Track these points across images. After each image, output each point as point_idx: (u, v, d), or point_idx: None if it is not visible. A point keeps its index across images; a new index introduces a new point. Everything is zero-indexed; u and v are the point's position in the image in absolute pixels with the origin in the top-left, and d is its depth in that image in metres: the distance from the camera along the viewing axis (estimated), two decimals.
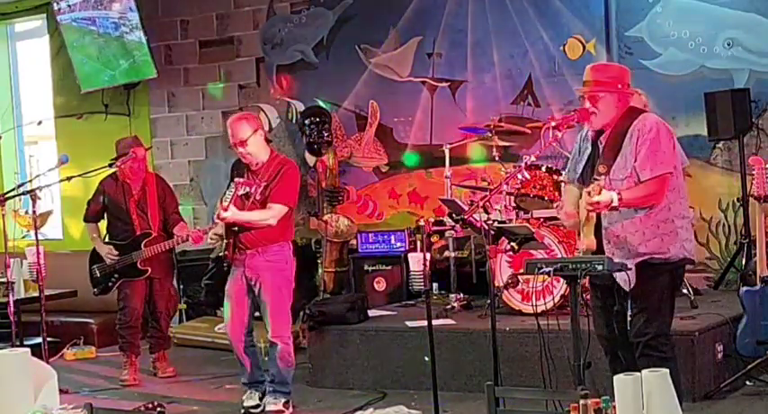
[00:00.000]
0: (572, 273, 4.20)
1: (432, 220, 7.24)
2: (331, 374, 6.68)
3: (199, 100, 9.81)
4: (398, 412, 5.59)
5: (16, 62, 11.08)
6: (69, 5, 9.74)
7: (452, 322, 6.61)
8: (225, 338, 6.33)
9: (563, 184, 6.45)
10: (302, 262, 6.65)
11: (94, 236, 7.35)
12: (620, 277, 4.47)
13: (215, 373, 7.28)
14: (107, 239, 7.29)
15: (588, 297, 4.88)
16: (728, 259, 7.31)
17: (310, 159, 8.30)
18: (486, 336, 5.25)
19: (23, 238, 9.19)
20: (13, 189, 7.05)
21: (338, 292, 8.02)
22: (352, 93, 8.98)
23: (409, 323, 6.60)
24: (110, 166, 7.07)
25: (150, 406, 5.97)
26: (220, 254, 6.19)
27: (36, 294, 6.87)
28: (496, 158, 7.26)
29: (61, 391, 3.92)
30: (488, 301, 5.66)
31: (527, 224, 5.93)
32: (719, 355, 5.88)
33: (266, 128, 8.10)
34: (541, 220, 6.66)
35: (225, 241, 5.94)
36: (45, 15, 10.39)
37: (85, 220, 7.45)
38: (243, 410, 6.06)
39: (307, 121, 8.44)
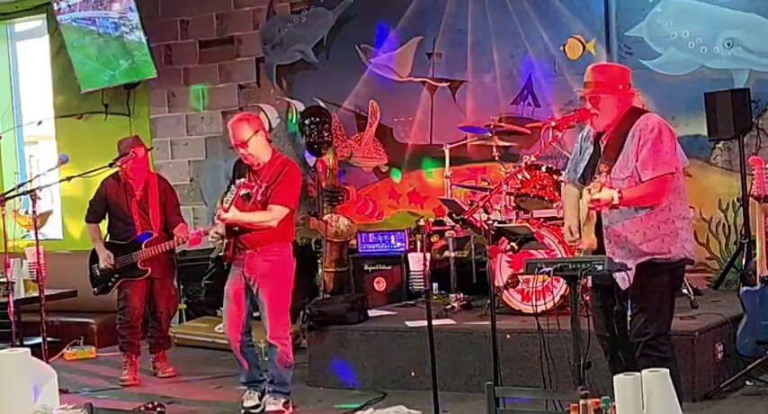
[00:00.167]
0: (572, 273, 4.20)
1: (432, 220, 7.23)
2: (331, 374, 6.68)
3: (199, 100, 9.80)
4: (398, 412, 5.59)
5: (16, 62, 11.08)
6: (69, 5, 9.74)
7: (452, 322, 6.61)
8: (225, 338, 6.33)
9: (563, 185, 6.45)
10: (302, 262, 6.64)
11: (95, 238, 7.34)
12: (618, 275, 4.47)
13: (215, 373, 7.28)
14: (108, 239, 7.29)
15: (588, 297, 4.88)
16: (728, 259, 7.32)
17: (310, 159, 8.30)
18: (486, 336, 5.25)
19: (23, 238, 9.20)
20: (13, 189, 7.05)
21: (338, 292, 8.01)
22: (352, 93, 8.98)
23: (409, 323, 6.60)
24: (110, 165, 7.07)
25: (150, 406, 5.97)
26: (220, 254, 6.19)
27: (36, 294, 6.87)
28: (496, 158, 7.26)
29: (61, 391, 3.92)
30: (488, 301, 5.66)
31: (527, 224, 5.93)
32: (719, 355, 5.88)
33: (266, 127, 8.09)
34: (541, 220, 6.66)
35: (225, 241, 5.94)
36: (45, 15, 10.39)
37: (87, 221, 7.44)
38: (243, 411, 6.06)
39: (307, 121, 8.44)
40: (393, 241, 8.10)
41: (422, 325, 5.90)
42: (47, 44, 10.49)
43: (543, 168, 6.74)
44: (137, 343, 7.27)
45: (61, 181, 7.20)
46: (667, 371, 3.13)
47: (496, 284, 6.25)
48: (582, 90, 4.71)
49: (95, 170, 6.97)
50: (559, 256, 6.10)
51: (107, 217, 7.34)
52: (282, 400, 5.97)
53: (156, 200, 7.23)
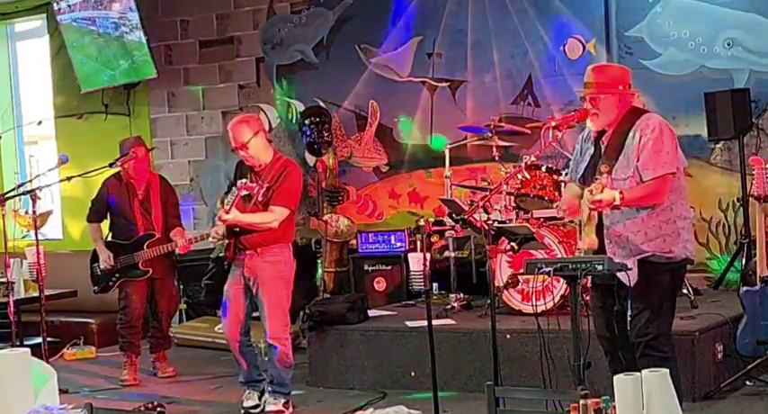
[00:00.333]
0: (572, 273, 4.20)
1: (432, 220, 7.23)
2: (331, 374, 6.68)
3: (199, 100, 9.81)
4: (398, 412, 5.58)
5: (16, 62, 11.08)
6: (69, 5, 9.74)
7: (452, 322, 6.61)
8: (225, 338, 6.33)
9: (563, 184, 6.46)
10: (302, 262, 6.64)
11: (96, 237, 7.34)
12: (623, 274, 4.47)
13: (215, 373, 7.28)
14: (110, 239, 7.29)
15: (588, 297, 4.88)
16: (728, 259, 7.31)
17: (310, 159, 8.30)
18: (486, 336, 5.25)
19: (23, 238, 9.20)
20: (13, 189, 7.06)
21: (338, 292, 8.01)
22: (352, 93, 8.98)
23: (409, 323, 6.60)
24: (110, 165, 7.07)
25: (150, 406, 5.98)
26: (221, 254, 6.19)
27: (36, 294, 6.88)
28: (496, 158, 7.26)
29: (61, 391, 3.92)
30: (488, 301, 5.66)
31: (527, 224, 5.92)
32: (719, 355, 5.88)
33: (266, 128, 8.09)
34: (541, 220, 6.66)
35: (226, 241, 5.95)
36: (45, 15, 10.39)
37: (88, 220, 7.43)
38: (242, 411, 6.06)
39: (307, 121, 8.44)
40: (393, 241, 8.10)
41: (422, 325, 5.90)
42: (47, 44, 10.49)
43: (543, 168, 6.73)
44: (137, 343, 7.27)
45: (61, 181, 7.20)
46: (667, 371, 3.13)
47: (496, 284, 6.25)
48: (582, 90, 4.71)
49: (95, 170, 6.97)
50: (559, 256, 6.10)
51: (109, 217, 7.34)
52: (282, 401, 5.97)
53: (158, 200, 7.23)
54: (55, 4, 9.84)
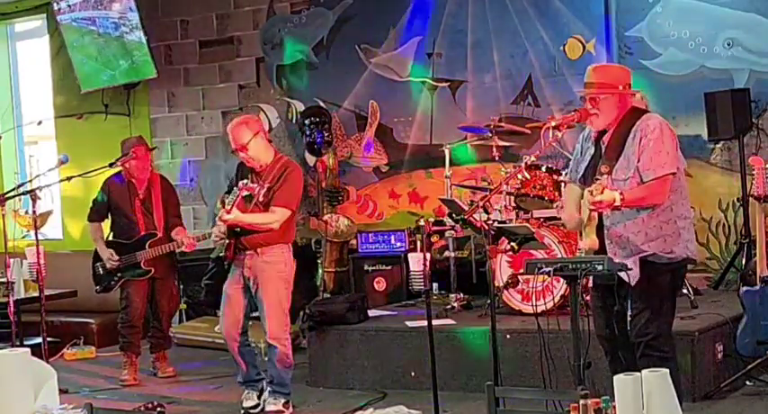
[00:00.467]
0: (572, 273, 4.20)
1: (432, 220, 7.23)
2: (331, 374, 6.68)
3: (199, 100, 9.81)
4: (398, 412, 5.58)
5: (16, 62, 11.08)
6: (69, 5, 9.74)
7: (452, 322, 6.61)
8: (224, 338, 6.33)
9: (563, 184, 6.46)
10: (302, 262, 6.64)
11: (97, 237, 7.34)
12: (624, 273, 4.47)
13: (215, 373, 7.28)
14: (111, 238, 7.29)
15: (588, 297, 4.88)
16: (728, 259, 7.32)
17: (310, 159, 8.30)
18: (486, 336, 5.25)
19: (23, 238, 9.20)
20: (13, 189, 7.06)
21: (338, 292, 8.02)
22: (352, 93, 8.98)
23: (409, 323, 6.60)
24: (110, 165, 7.08)
25: (150, 406, 5.98)
26: (221, 254, 6.19)
27: (36, 294, 6.88)
28: (496, 158, 7.25)
29: (61, 391, 3.92)
30: (488, 301, 5.65)
31: (527, 224, 5.93)
32: (719, 355, 5.88)
33: (266, 128, 8.09)
34: (541, 220, 6.66)
35: (226, 241, 5.95)
36: (45, 15, 10.39)
37: (90, 220, 7.42)
38: (242, 411, 6.06)
39: (307, 121, 8.44)
40: (393, 241, 8.10)
41: (422, 325, 5.90)
42: (47, 44, 10.49)
43: (543, 168, 6.73)
44: (137, 343, 7.27)
45: (61, 181, 7.21)
46: (667, 371, 3.13)
47: (496, 284, 6.24)
48: (582, 90, 4.71)
49: (95, 170, 6.98)
50: (559, 256, 6.10)
51: (110, 216, 7.34)
52: (282, 401, 5.97)
53: (160, 200, 7.23)
54: (55, 4, 9.84)
